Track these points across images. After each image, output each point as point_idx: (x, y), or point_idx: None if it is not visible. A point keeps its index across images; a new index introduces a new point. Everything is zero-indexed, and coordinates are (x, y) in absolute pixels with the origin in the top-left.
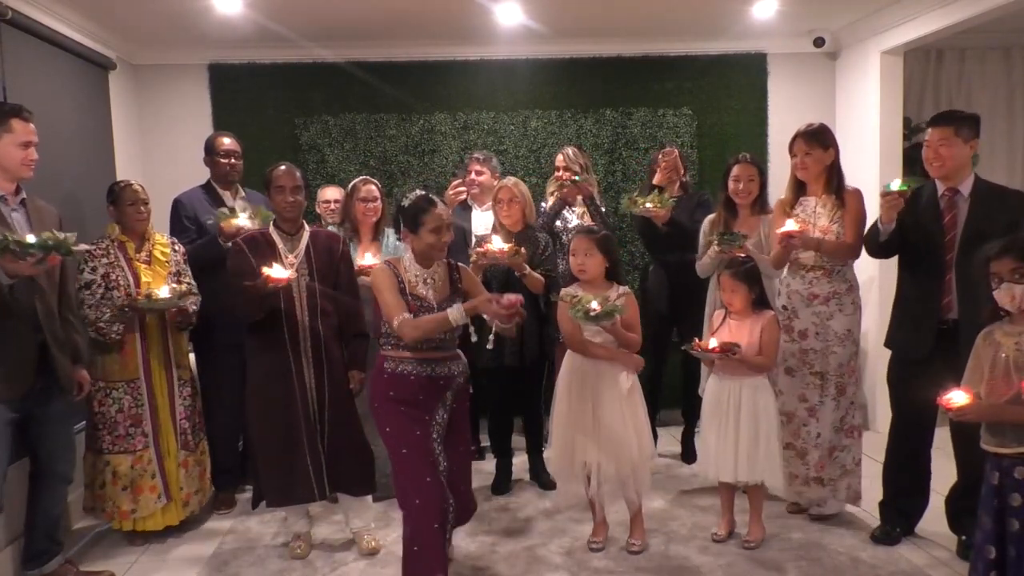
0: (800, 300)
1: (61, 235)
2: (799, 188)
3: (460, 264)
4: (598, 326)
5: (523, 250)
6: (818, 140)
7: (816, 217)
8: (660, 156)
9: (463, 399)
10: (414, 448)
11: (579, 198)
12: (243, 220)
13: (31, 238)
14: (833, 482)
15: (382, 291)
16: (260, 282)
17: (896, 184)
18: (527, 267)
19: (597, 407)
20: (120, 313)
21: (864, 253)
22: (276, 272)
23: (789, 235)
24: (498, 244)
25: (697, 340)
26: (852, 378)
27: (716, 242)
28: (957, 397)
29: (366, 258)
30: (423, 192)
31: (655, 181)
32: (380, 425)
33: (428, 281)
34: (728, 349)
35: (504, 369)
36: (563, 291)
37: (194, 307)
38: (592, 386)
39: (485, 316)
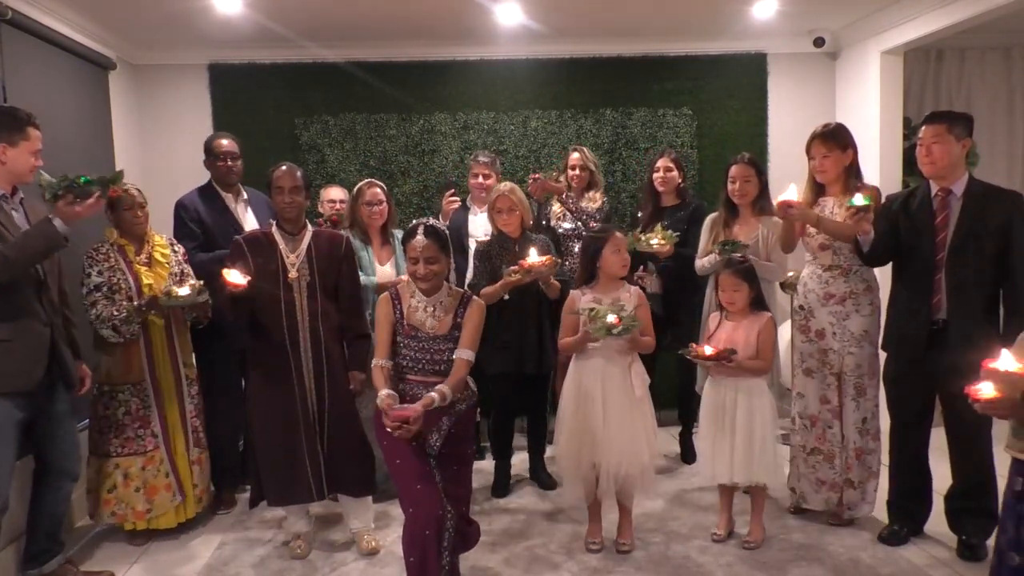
0: (816, 300)
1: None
2: (818, 190)
3: (475, 300)
4: (617, 338)
5: (558, 260)
6: (836, 141)
7: (834, 218)
8: (658, 176)
9: (465, 426)
10: (406, 459)
11: (554, 197)
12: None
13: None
14: (863, 484)
15: (377, 323)
16: (220, 284)
17: (859, 199)
18: (551, 279)
19: (607, 409)
20: (137, 312)
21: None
22: (231, 276)
23: (788, 204)
24: (535, 257)
25: (694, 345)
26: (873, 380)
27: (717, 251)
28: (986, 389)
29: (380, 271)
30: (419, 220)
31: (664, 204)
32: (379, 439)
33: (428, 309)
34: (724, 356)
35: (510, 376)
36: (570, 300)
37: (210, 301)
38: (602, 387)
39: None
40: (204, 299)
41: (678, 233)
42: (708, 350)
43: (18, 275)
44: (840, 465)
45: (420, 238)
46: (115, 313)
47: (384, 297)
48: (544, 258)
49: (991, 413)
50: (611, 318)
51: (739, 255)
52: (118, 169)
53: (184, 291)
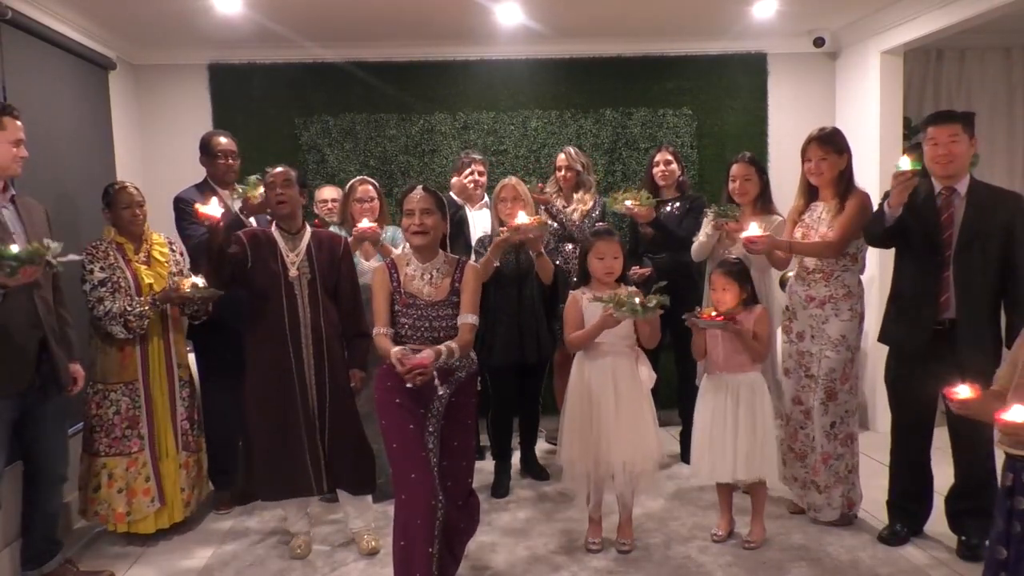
0: (799, 302)
1: (47, 244)
2: (810, 194)
3: (470, 264)
4: (645, 319)
5: (546, 220)
6: (833, 145)
7: (819, 223)
8: (657, 171)
9: (467, 395)
10: (403, 444)
11: (574, 195)
12: None
13: (14, 248)
14: (828, 489)
15: (374, 293)
16: (199, 220)
17: (906, 163)
18: (542, 248)
19: (619, 406)
20: (152, 307)
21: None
22: (208, 209)
23: (750, 240)
24: (523, 218)
25: (699, 309)
26: (845, 385)
27: (712, 214)
28: (963, 391)
29: (364, 222)
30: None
31: (664, 197)
32: (379, 417)
33: (425, 277)
34: (731, 318)
35: (515, 367)
36: (571, 298)
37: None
38: (613, 384)
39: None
40: (219, 293)
41: (656, 199)
42: (713, 313)
43: None
44: (810, 464)
45: (418, 190)
46: (128, 308)
47: (380, 267)
48: (532, 218)
49: (965, 413)
50: (636, 300)
51: (734, 257)
52: (55, 248)
53: (201, 281)
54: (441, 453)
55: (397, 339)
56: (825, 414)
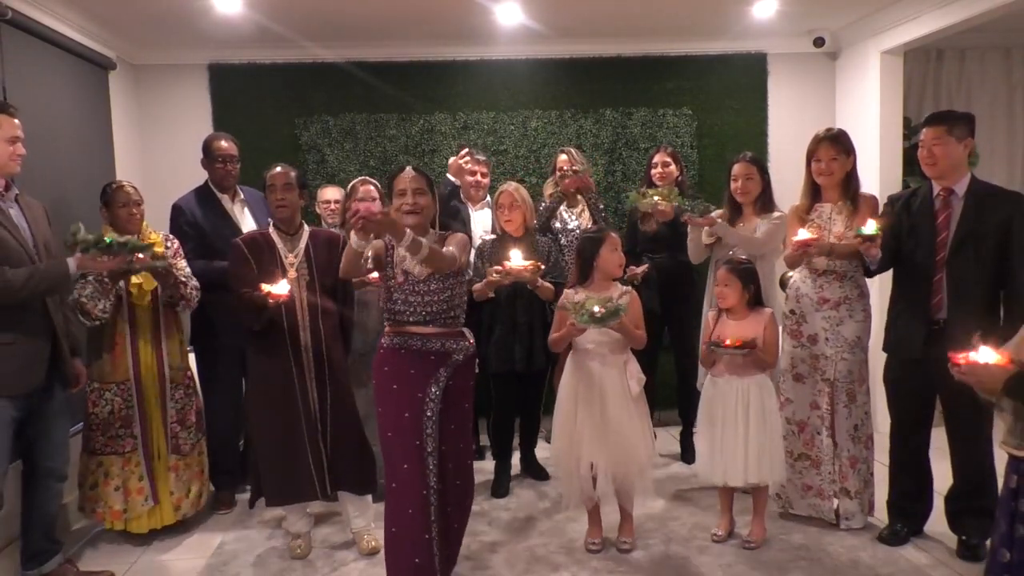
0: (809, 304)
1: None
2: (813, 195)
3: (451, 233)
4: (605, 327)
5: (541, 265)
6: (842, 145)
7: (832, 223)
8: (655, 172)
9: (464, 378)
10: (398, 433)
11: (578, 197)
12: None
13: (118, 237)
14: (859, 495)
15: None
16: (259, 297)
17: (870, 228)
18: (539, 279)
19: (605, 408)
20: (100, 285)
21: None
22: (277, 288)
23: (805, 244)
24: (517, 260)
25: (720, 337)
26: (862, 387)
27: (689, 209)
28: (985, 354)
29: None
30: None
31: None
32: (376, 403)
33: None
34: (752, 346)
35: (512, 374)
36: (563, 298)
37: (194, 283)
38: (599, 387)
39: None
40: (162, 265)
41: (680, 194)
42: (728, 342)
43: (17, 304)
44: (827, 472)
45: (408, 170)
46: (80, 293)
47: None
48: (526, 263)
49: (967, 378)
50: (596, 308)
51: (743, 256)
52: (146, 243)
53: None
54: (440, 437)
55: (397, 321)
56: (849, 417)
